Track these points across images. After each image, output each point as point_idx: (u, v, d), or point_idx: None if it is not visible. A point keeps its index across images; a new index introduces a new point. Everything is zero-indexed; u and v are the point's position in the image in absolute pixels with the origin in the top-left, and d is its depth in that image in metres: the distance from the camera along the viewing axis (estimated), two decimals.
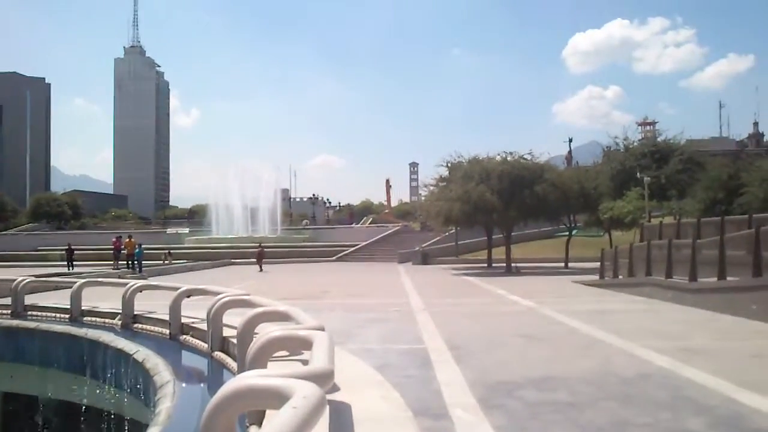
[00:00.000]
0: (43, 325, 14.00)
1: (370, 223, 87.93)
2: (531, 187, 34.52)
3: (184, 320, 11.56)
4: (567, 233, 41.64)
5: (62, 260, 39.80)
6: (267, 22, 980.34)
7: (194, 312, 11.50)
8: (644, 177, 39.34)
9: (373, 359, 8.42)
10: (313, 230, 71.60)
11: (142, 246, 37.32)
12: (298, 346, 5.58)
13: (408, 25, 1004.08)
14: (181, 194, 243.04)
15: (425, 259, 46.83)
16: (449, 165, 40.28)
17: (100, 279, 18.72)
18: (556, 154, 73.84)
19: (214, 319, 9.33)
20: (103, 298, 15.22)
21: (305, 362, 4.97)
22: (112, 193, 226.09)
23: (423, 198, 48.18)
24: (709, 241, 16.66)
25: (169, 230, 73.54)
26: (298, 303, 11.58)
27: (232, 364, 8.07)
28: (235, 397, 3.17)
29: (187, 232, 69.60)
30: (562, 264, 38.32)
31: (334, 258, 53.07)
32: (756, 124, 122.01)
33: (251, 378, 3.36)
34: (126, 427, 10.16)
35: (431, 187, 42.13)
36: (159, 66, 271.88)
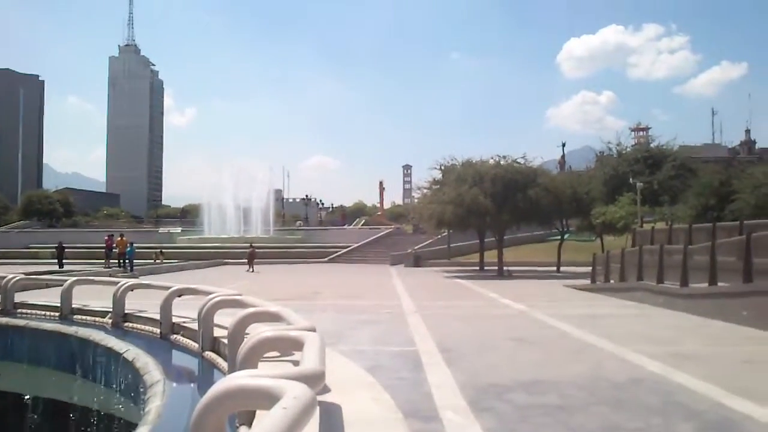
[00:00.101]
0: (33, 323, 13.92)
1: (362, 225, 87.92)
2: (524, 191, 34.60)
3: (175, 320, 11.53)
4: (559, 237, 41.76)
5: (53, 258, 39.57)
6: (265, 23, 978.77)
7: (185, 311, 11.47)
8: (637, 182, 39.33)
9: (364, 361, 8.41)
10: (305, 231, 71.50)
11: (134, 245, 37.20)
12: (289, 346, 5.57)
13: (405, 27, 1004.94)
14: (174, 193, 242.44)
15: (417, 261, 46.89)
16: (442, 168, 40.38)
17: (91, 277, 18.65)
18: (550, 158, 74.11)
19: (205, 318, 9.30)
20: (94, 297, 15.13)
21: (296, 363, 4.96)
22: (104, 191, 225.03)
23: (416, 200, 48.25)
24: (701, 247, 16.72)
25: (161, 229, 73.30)
26: (289, 304, 11.54)
27: (223, 364, 8.05)
28: (226, 397, 3.16)
29: (180, 231, 69.41)
30: (554, 268, 38.41)
31: (326, 259, 53.08)
32: (748, 131, 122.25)
33: (242, 378, 3.35)
34: (115, 426, 10.10)
35: (424, 190, 42.28)
36: (153, 65, 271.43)
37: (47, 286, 19.04)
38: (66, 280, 15.34)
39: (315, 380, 3.85)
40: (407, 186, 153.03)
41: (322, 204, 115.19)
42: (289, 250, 56.71)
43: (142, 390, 8.41)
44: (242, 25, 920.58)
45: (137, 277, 25.82)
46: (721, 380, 7.76)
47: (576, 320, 14.12)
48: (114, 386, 10.43)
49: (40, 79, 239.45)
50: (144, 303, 13.57)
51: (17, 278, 16.32)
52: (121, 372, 10.00)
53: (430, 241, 53.44)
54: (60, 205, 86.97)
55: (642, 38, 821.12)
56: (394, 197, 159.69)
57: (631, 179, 42.53)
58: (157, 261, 43.42)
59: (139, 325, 12.65)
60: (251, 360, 5.00)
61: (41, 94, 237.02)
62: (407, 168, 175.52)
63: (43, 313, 14.95)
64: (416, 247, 50.41)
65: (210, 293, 10.05)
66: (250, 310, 7.20)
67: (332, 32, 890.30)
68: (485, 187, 34.60)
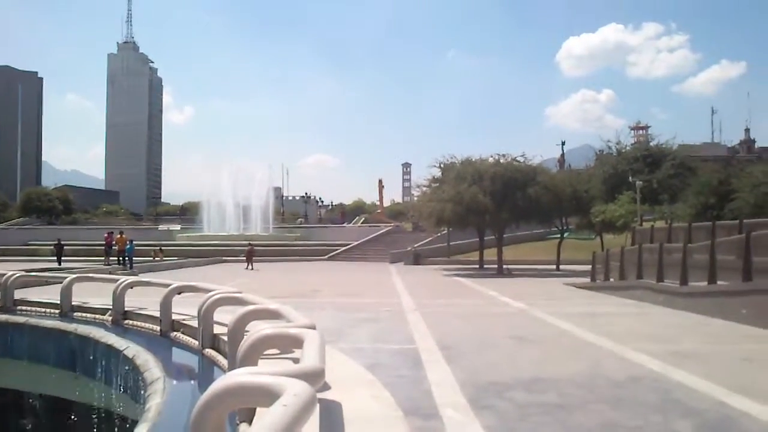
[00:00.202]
0: (33, 321, 13.91)
1: (362, 223, 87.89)
2: (523, 189, 34.60)
3: (175, 317, 11.53)
4: (559, 236, 41.75)
5: (53, 255, 39.55)
6: (264, 22, 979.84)
7: (185, 309, 11.47)
8: (636, 181, 39.36)
9: (364, 358, 8.42)
10: (305, 229, 71.45)
11: (134, 242, 37.18)
12: (289, 344, 5.57)
13: (404, 26, 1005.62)
14: (174, 191, 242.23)
15: (417, 259, 46.88)
16: (442, 166, 40.33)
17: (90, 275, 18.65)
18: (549, 156, 74.09)
19: (205, 316, 9.30)
20: (94, 294, 15.13)
21: (296, 361, 4.96)
22: (103, 188, 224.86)
23: (415, 198, 48.24)
24: (700, 246, 16.72)
25: (161, 227, 73.29)
26: (289, 301, 11.53)
27: (223, 362, 8.05)
28: (226, 395, 3.16)
29: (179, 229, 69.31)
30: (554, 266, 38.41)
31: (325, 257, 53.05)
32: (747, 130, 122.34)
33: (241, 375, 3.35)
34: (115, 424, 10.11)
35: (424, 188, 42.19)
36: (152, 62, 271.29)
37: (47, 284, 19.01)
38: (66, 278, 15.34)
39: (315, 378, 3.86)
40: (407, 184, 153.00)
41: (322, 202, 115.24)
42: (288, 247, 56.70)
43: (142, 387, 8.41)
44: (241, 24, 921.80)
45: (137, 275, 25.82)
46: (721, 378, 7.76)
47: (576, 318, 14.12)
48: (114, 383, 10.43)
49: (38, 76, 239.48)
50: (144, 300, 13.57)
51: (17, 275, 16.33)
52: (121, 369, 10.00)
53: (430, 239, 53.44)
54: (59, 202, 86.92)
55: (641, 37, 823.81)
56: (393, 195, 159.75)
57: (630, 178, 42.56)
58: (156, 258, 43.41)
59: (139, 323, 12.65)
60: (251, 357, 5.01)
61: (40, 91, 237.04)
62: (407, 166, 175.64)
63: (43, 310, 14.96)
64: (416, 245, 50.39)
65: (210, 291, 10.06)
66: (250, 307, 7.21)
67: (332, 31, 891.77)
68: (485, 185, 34.59)
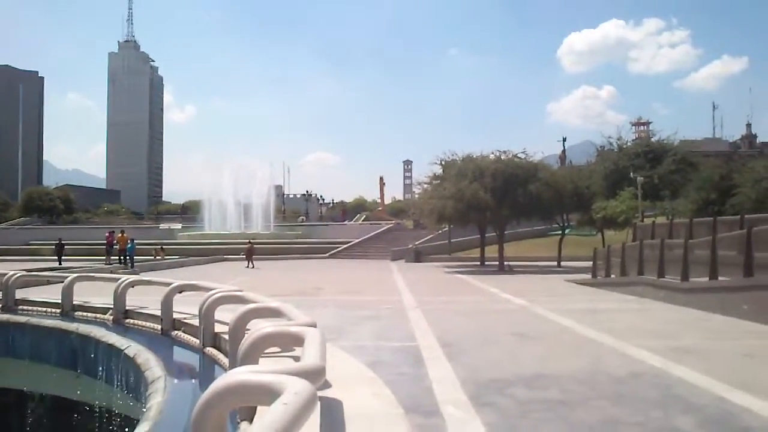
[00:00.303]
0: (34, 320, 13.91)
1: (363, 221, 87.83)
2: (524, 185, 34.59)
3: (176, 316, 11.53)
4: (560, 232, 41.75)
5: (54, 255, 39.60)
6: (265, 21, 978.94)
7: (186, 308, 11.47)
8: (637, 177, 39.38)
9: (365, 356, 8.43)
10: (306, 227, 71.45)
11: (135, 241, 37.21)
12: (289, 342, 5.57)
13: (404, 24, 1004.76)
14: (175, 190, 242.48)
15: (418, 256, 46.87)
16: (443, 163, 40.32)
17: (91, 274, 18.67)
18: (550, 153, 74.36)
19: (206, 314, 9.30)
20: (95, 294, 15.14)
21: (297, 359, 4.96)
22: (104, 188, 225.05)
23: (416, 196, 48.21)
24: (701, 242, 16.71)
25: (162, 226, 73.32)
26: (290, 299, 11.53)
27: (224, 360, 8.05)
28: (227, 393, 3.16)
29: (180, 227, 69.37)
30: (555, 263, 38.41)
31: (326, 255, 53.05)
32: (749, 125, 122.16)
33: (242, 374, 3.35)
34: (117, 423, 10.12)
35: (425, 185, 42.18)
36: (153, 61, 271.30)
37: (48, 283, 19.02)
38: (67, 277, 15.35)
39: (316, 376, 3.86)
40: (408, 181, 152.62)
41: (323, 200, 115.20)
42: (289, 246, 56.70)
43: (143, 386, 8.42)
44: (241, 23, 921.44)
45: (138, 274, 25.83)
46: (721, 374, 7.76)
47: (577, 315, 14.12)
48: (115, 382, 10.44)
49: (39, 75, 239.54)
50: (145, 299, 13.57)
51: (18, 275, 16.34)
52: (123, 368, 10.01)
53: (431, 236, 53.39)
54: (60, 201, 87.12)
55: (643, 32, 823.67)
56: (394, 193, 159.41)
57: (631, 173, 42.63)
58: (157, 257, 43.43)
59: (140, 322, 12.65)
60: (252, 356, 5.01)
61: (41, 90, 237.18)
62: (407, 163, 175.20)
63: (44, 309, 14.94)
64: (417, 243, 50.39)
65: (211, 289, 10.05)
66: (251, 306, 7.21)
67: (332, 30, 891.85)
68: (486, 182, 34.58)
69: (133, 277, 14.78)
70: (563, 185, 36.65)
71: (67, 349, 12.33)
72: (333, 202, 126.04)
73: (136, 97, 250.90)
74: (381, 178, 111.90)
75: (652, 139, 58.44)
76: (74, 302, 14.60)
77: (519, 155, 37.79)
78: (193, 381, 8.97)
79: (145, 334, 11.71)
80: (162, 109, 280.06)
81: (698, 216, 27.23)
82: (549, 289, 22.75)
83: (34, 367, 12.98)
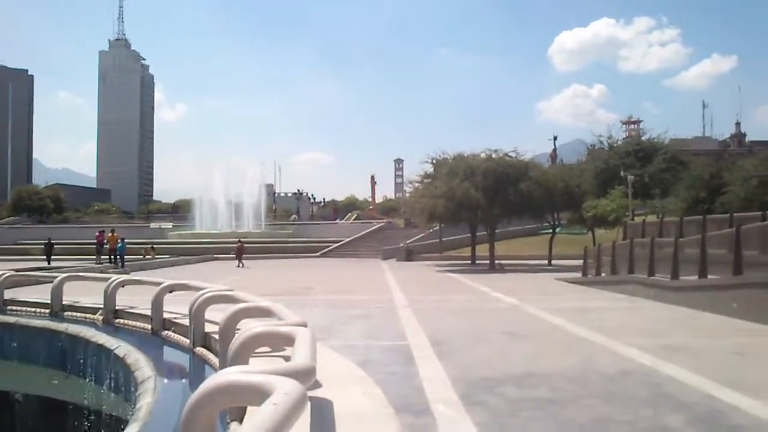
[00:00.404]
0: (23, 320, 13.83)
1: (354, 220, 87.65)
2: (515, 184, 34.65)
3: (166, 315, 11.49)
4: (551, 231, 41.84)
5: (43, 254, 39.38)
6: (258, 21, 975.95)
7: (176, 307, 11.43)
8: (628, 175, 39.51)
9: (355, 355, 8.42)
10: (297, 226, 71.30)
11: (125, 240, 37.05)
12: (280, 342, 5.56)
13: (397, 24, 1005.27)
14: (165, 189, 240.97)
15: (409, 255, 46.88)
16: (434, 162, 40.34)
17: (81, 274, 18.56)
18: (541, 151, 74.53)
19: (197, 314, 9.27)
20: (85, 293, 15.06)
21: (287, 358, 4.95)
22: (95, 187, 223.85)
23: (408, 194, 48.22)
24: (691, 240, 16.80)
25: (153, 225, 72.88)
26: (281, 299, 11.51)
27: (214, 360, 8.03)
28: (216, 393, 3.15)
29: (171, 227, 69.06)
30: (546, 261, 38.49)
31: (318, 254, 53.00)
32: (738, 124, 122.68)
33: (232, 374, 3.34)
34: (106, 423, 10.07)
35: (416, 184, 42.21)
36: (144, 59, 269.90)
37: (37, 283, 18.89)
38: (56, 277, 15.26)
39: (306, 376, 3.85)
40: (399, 180, 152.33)
41: (314, 198, 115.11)
42: (280, 244, 56.54)
43: (133, 386, 8.38)
44: (232, 21, 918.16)
45: (128, 273, 25.72)
46: (711, 372, 7.81)
47: (567, 313, 14.17)
48: (105, 383, 10.39)
49: (29, 73, 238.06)
50: (135, 299, 13.51)
51: (7, 275, 16.24)
52: (112, 368, 9.96)
53: (422, 235, 53.40)
54: (50, 200, 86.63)
55: (633, 31, 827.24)
56: (385, 191, 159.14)
57: (622, 172, 42.76)
58: (147, 257, 43.26)
59: (130, 322, 12.59)
60: (242, 356, 4.99)
61: (31, 88, 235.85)
62: (399, 162, 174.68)
63: (34, 309, 14.85)
64: (408, 242, 50.38)
65: (201, 289, 10.02)
66: (241, 305, 7.19)
67: (326, 29, 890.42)
68: (477, 180, 34.63)
69: (123, 277, 14.71)
70: (554, 184, 36.74)
71: (57, 349, 12.26)
72: (324, 201, 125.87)
73: (127, 95, 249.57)
74: (372, 177, 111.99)
75: (643, 138, 58.60)
76: (64, 302, 14.51)
77: (510, 154, 37.84)
78: (183, 381, 8.94)
79: (135, 334, 11.65)
80: (153, 108, 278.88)
81: (688, 214, 27.36)
82: (540, 287, 22.81)
83: (22, 368, 12.89)
